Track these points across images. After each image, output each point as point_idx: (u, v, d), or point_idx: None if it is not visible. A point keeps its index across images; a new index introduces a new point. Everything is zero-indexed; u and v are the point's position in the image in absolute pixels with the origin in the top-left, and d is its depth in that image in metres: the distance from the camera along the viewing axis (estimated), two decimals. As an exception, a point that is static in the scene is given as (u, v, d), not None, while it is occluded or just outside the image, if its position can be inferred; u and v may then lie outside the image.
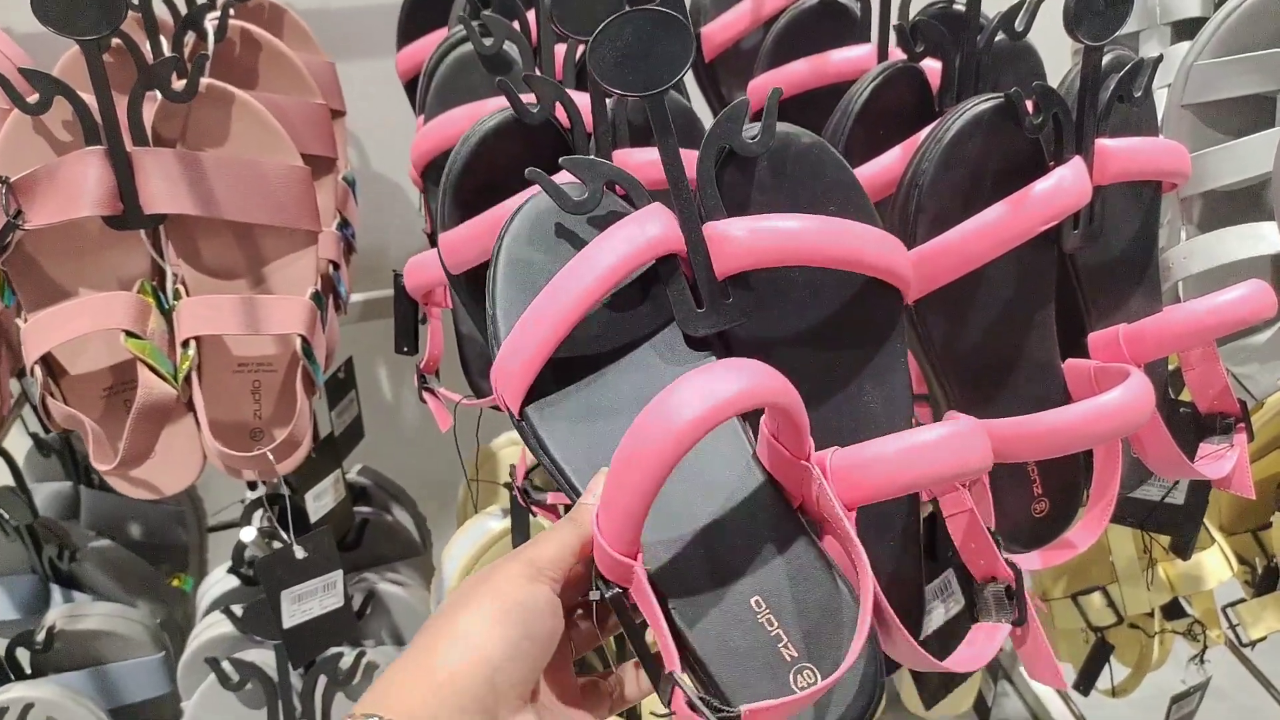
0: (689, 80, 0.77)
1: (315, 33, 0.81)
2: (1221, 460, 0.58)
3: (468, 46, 0.62)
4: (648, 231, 0.40)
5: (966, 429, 0.38)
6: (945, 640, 0.47)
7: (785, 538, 0.39)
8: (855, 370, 0.44)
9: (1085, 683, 0.91)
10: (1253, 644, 0.94)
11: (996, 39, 0.56)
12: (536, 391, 0.40)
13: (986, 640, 0.45)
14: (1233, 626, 0.94)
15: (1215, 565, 0.89)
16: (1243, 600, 0.94)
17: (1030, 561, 0.54)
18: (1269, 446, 0.92)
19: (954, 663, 0.44)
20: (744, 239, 0.40)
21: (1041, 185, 0.48)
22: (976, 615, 0.46)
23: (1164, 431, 0.53)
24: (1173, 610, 0.93)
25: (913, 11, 0.61)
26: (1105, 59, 0.52)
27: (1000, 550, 0.45)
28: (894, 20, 0.60)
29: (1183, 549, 0.70)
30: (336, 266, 0.71)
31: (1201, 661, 0.94)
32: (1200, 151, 0.62)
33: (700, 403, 0.33)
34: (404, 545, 0.88)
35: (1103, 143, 0.50)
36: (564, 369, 0.41)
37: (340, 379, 0.85)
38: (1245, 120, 0.62)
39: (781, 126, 0.42)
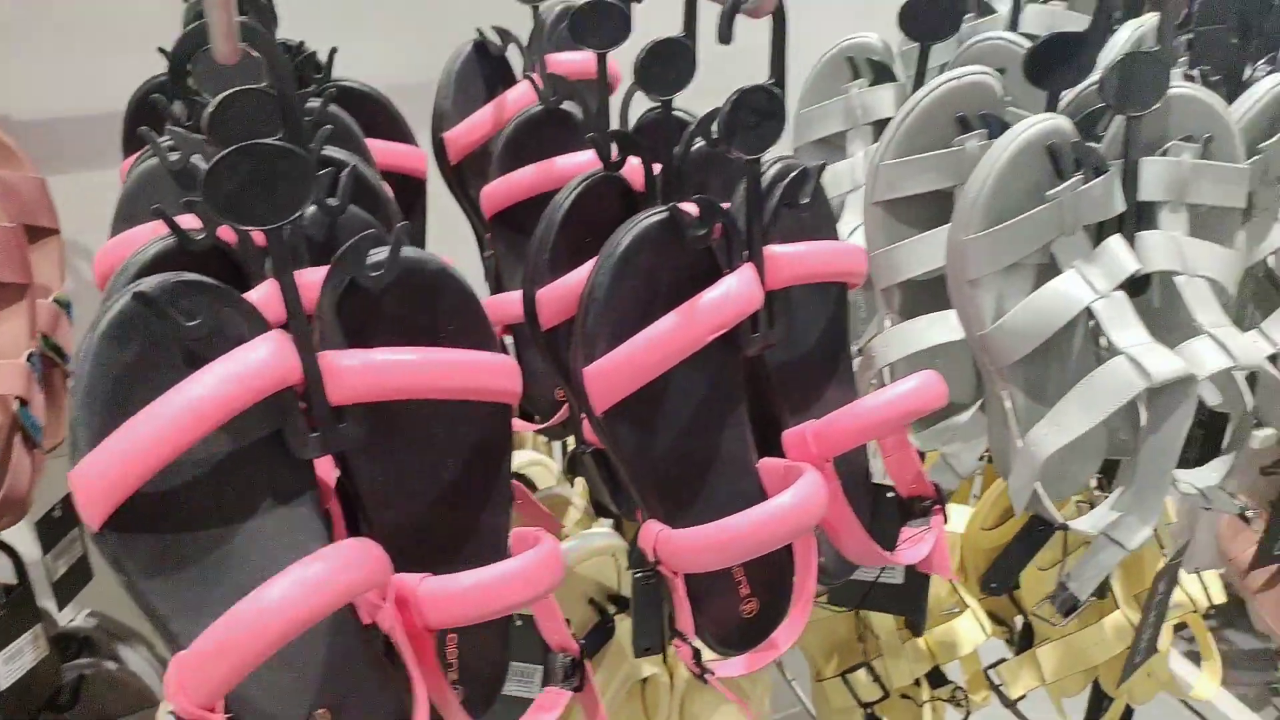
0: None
1: (38, 144, 0.75)
2: (920, 543, 0.59)
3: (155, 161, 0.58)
4: (259, 354, 0.38)
5: (535, 558, 0.40)
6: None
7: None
8: (474, 492, 0.43)
9: (860, 760, 0.92)
10: (1014, 703, 0.97)
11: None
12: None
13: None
14: (995, 687, 0.97)
15: (969, 630, 0.92)
16: (1005, 660, 0.97)
17: (733, 667, 0.53)
18: (1007, 514, 0.96)
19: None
20: (356, 370, 0.38)
21: (709, 295, 0.49)
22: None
23: (855, 523, 0.54)
24: (939, 678, 0.95)
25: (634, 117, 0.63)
26: (774, 168, 0.54)
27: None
28: (615, 125, 0.61)
29: (915, 626, 0.71)
30: (24, 403, 0.65)
31: (966, 723, 0.97)
32: (891, 245, 0.65)
33: (299, 603, 0.33)
34: (134, 696, 0.80)
35: (772, 249, 0.52)
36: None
37: (56, 518, 0.77)
38: (930, 214, 0.66)
39: (408, 253, 0.41)
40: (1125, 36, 0.68)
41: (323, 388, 0.38)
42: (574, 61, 0.71)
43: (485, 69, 0.79)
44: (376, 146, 0.71)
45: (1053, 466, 0.64)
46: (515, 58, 0.78)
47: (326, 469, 0.43)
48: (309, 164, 0.37)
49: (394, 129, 0.76)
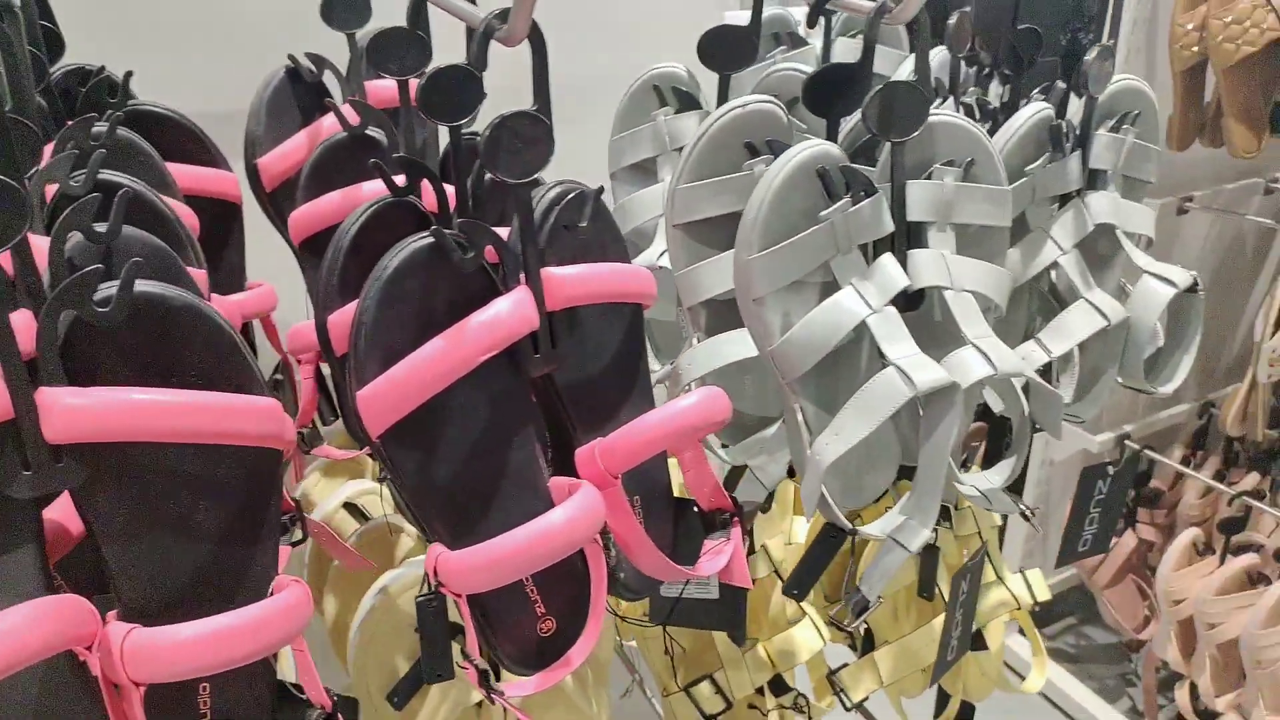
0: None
1: None
2: (719, 555, 0.61)
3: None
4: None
5: (263, 611, 0.42)
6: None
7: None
8: (235, 533, 0.43)
9: (704, 769, 0.94)
10: (857, 705, 1.00)
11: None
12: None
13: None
14: (838, 692, 1.00)
15: (806, 637, 0.94)
16: (845, 666, 1.00)
17: (524, 687, 0.54)
18: (845, 519, 1.00)
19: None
20: (72, 409, 0.38)
21: (478, 317, 0.50)
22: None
23: (644, 538, 0.56)
24: (782, 686, 0.98)
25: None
26: (553, 191, 0.55)
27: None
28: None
29: (735, 639, 0.73)
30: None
31: (805, 731, 0.99)
32: (691, 266, 0.67)
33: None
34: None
35: (551, 271, 0.53)
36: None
37: None
38: (727, 236, 0.68)
39: (147, 289, 0.41)
40: (908, 68, 0.72)
41: (36, 425, 0.37)
42: (394, 89, 0.71)
43: (300, 96, 0.78)
44: (181, 171, 0.70)
45: (851, 476, 0.67)
46: (337, 86, 0.79)
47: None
48: (17, 192, 0.36)
49: (201, 153, 0.74)
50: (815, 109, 0.63)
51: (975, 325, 0.60)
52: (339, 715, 0.49)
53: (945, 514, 0.91)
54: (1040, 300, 0.76)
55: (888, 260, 0.60)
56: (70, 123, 0.59)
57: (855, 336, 0.63)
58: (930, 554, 0.94)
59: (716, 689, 0.92)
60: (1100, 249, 0.76)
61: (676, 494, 0.65)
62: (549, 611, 0.56)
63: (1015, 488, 0.79)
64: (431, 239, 0.49)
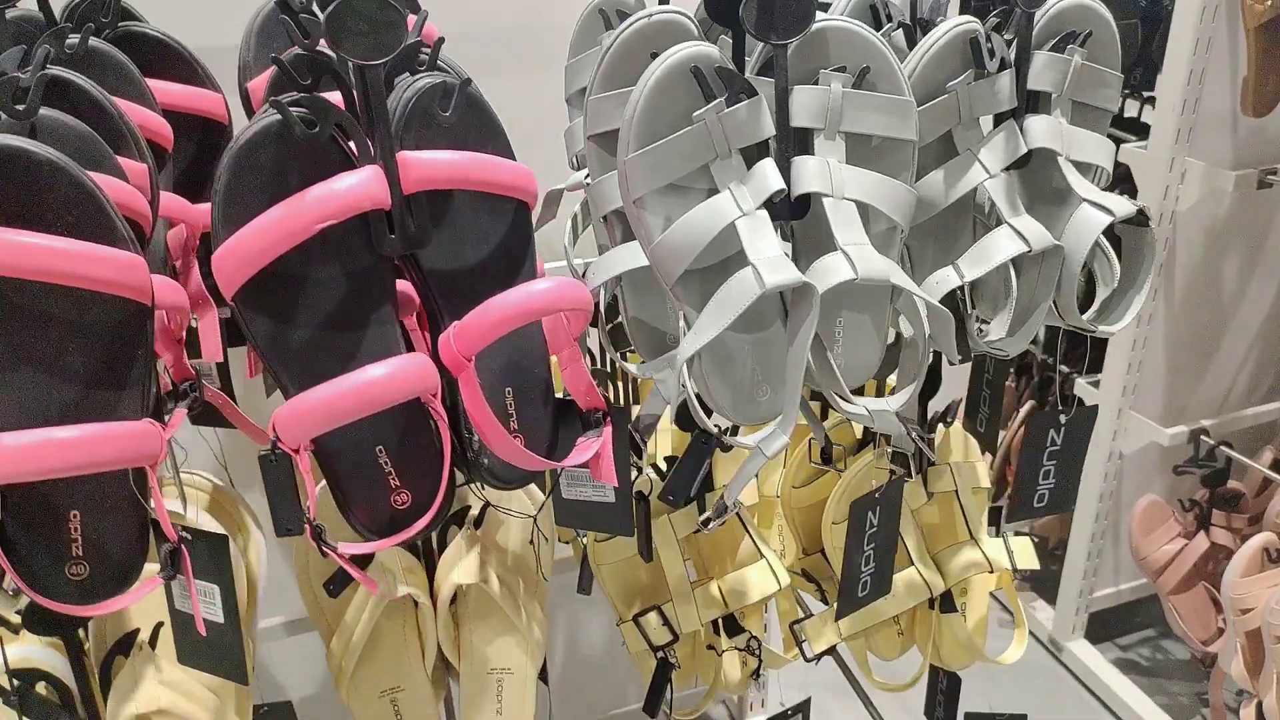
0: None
1: None
2: (587, 449, 0.62)
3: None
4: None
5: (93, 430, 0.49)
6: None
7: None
8: (91, 376, 0.51)
9: (650, 703, 0.94)
10: (818, 658, 0.98)
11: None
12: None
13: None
14: (800, 643, 0.99)
15: (759, 579, 0.94)
16: (808, 617, 0.99)
17: (358, 548, 0.57)
18: (815, 472, 0.98)
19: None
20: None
21: (317, 188, 0.53)
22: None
23: (494, 423, 0.57)
24: (735, 627, 0.97)
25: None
26: (421, 81, 0.57)
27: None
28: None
29: (642, 553, 0.74)
30: None
31: (756, 676, 0.98)
32: (603, 176, 0.69)
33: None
34: None
35: (406, 154, 0.56)
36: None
37: None
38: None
39: (17, 142, 0.47)
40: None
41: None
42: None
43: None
44: (162, 87, 0.76)
45: (742, 389, 0.67)
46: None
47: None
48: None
49: (191, 76, 0.81)
50: (716, 17, 0.63)
51: (850, 233, 0.59)
52: (182, 549, 0.54)
53: (906, 464, 0.89)
54: (984, 231, 0.73)
55: (766, 165, 0.60)
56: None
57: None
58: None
59: (664, 621, 0.92)
60: (1055, 182, 0.72)
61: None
62: (404, 485, 0.59)
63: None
64: (280, 114, 0.53)
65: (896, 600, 0.93)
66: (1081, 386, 1.69)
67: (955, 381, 0.95)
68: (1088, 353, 1.81)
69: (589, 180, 0.73)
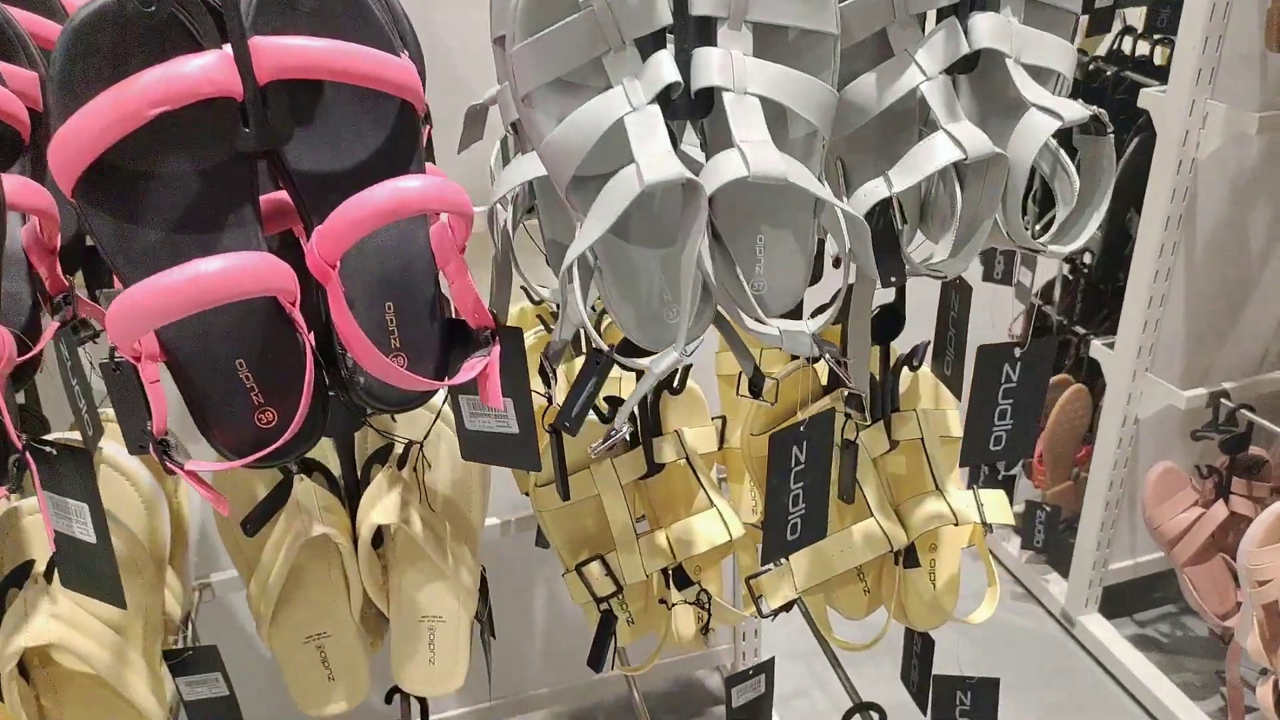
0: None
1: None
2: (472, 369, 0.58)
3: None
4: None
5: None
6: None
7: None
8: None
9: (594, 657, 0.90)
10: (774, 614, 0.93)
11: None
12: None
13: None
14: (756, 599, 0.94)
15: (708, 529, 0.89)
16: (765, 571, 0.94)
17: (203, 466, 0.53)
18: (774, 420, 0.93)
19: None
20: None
21: (153, 72, 0.49)
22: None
23: (360, 336, 0.53)
24: (684, 580, 0.92)
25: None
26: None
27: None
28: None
29: (560, 489, 0.69)
30: None
31: (706, 631, 0.93)
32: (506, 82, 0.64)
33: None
34: None
35: (258, 40, 0.51)
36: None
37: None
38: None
39: None
40: None
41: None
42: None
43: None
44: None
45: (647, 306, 0.62)
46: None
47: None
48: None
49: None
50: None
51: (749, 130, 0.54)
52: (28, 459, 0.50)
53: (861, 408, 0.83)
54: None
55: (660, 56, 0.54)
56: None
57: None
58: (849, 453, 0.86)
59: (608, 571, 0.88)
60: (1009, 91, 0.66)
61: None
62: (268, 402, 0.55)
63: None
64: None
65: (853, 553, 0.88)
66: (1097, 349, 1.61)
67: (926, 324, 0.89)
68: (1106, 315, 1.73)
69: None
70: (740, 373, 1.03)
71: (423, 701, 1.01)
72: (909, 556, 0.90)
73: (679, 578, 0.91)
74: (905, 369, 0.89)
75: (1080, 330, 1.74)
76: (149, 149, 0.51)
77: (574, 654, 1.63)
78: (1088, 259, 1.74)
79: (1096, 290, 1.74)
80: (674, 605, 0.92)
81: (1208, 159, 1.39)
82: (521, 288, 1.05)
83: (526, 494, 1.08)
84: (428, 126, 0.68)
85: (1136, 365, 1.53)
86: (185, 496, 0.88)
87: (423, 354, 0.59)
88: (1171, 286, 1.50)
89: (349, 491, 0.80)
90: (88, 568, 0.59)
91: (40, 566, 0.68)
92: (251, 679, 1.01)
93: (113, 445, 0.77)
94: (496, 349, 0.58)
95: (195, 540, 0.90)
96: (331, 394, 0.59)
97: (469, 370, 0.58)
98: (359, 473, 0.80)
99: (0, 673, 0.65)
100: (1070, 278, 1.78)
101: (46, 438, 0.55)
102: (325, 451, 0.80)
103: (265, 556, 0.78)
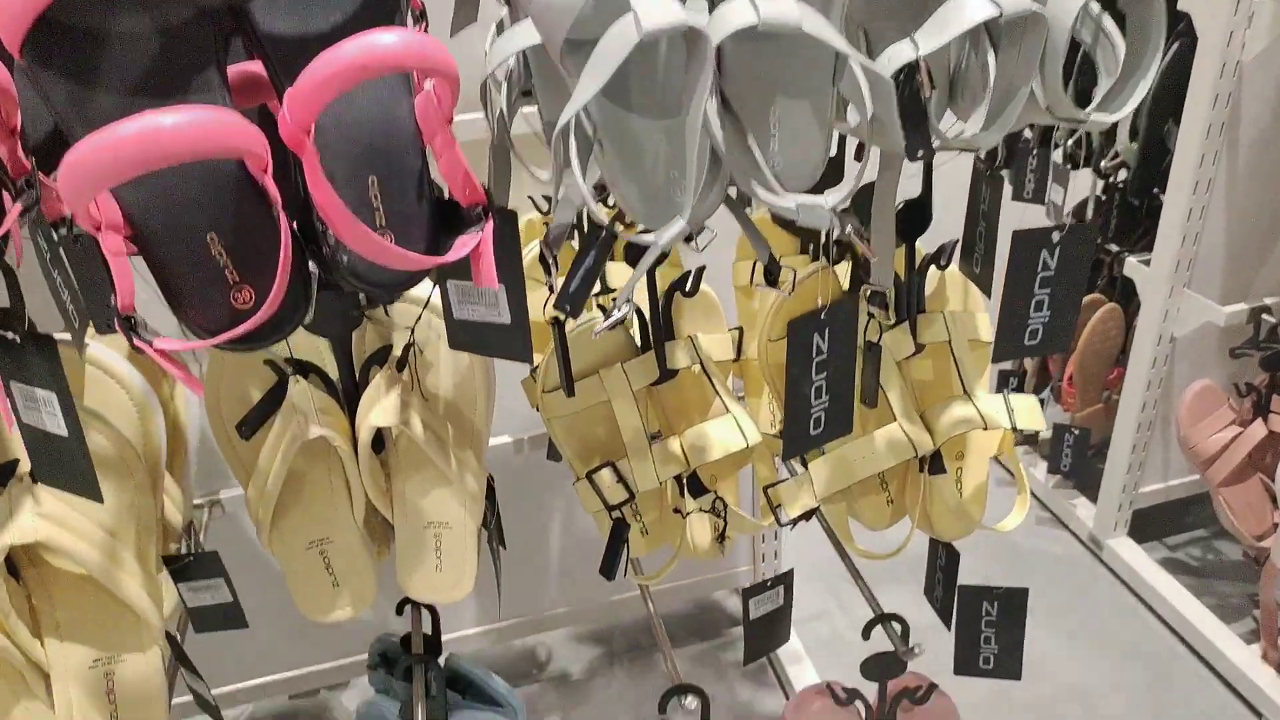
0: None
1: None
2: (463, 247, 0.54)
3: None
4: None
5: None
6: None
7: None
8: None
9: (606, 565, 0.88)
10: (793, 523, 0.90)
11: None
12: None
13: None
14: (775, 508, 0.91)
15: (723, 435, 0.85)
16: (783, 480, 0.90)
17: (171, 344, 0.50)
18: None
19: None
20: None
21: (98, -90, 0.45)
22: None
23: (339, 206, 0.49)
24: (698, 487, 0.89)
25: None
26: None
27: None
28: None
29: (564, 384, 0.65)
30: None
31: (723, 540, 0.91)
32: None
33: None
34: None
35: (217, -122, 0.47)
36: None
37: None
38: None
39: None
40: None
41: None
42: None
43: None
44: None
45: (649, 183, 0.57)
46: None
47: None
48: None
49: None
50: None
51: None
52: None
53: (885, 305, 0.78)
54: None
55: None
56: None
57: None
58: (873, 355, 0.82)
59: (619, 478, 0.85)
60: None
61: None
62: (244, 280, 0.52)
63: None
64: None
65: (876, 458, 0.84)
66: (1132, 266, 1.54)
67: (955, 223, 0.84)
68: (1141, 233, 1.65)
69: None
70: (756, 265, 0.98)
71: (434, 612, 0.99)
72: (934, 462, 0.86)
73: (694, 485, 0.87)
74: (933, 268, 0.85)
75: (1114, 248, 1.67)
76: (102, 4, 0.46)
77: (590, 574, 1.62)
78: (1123, 175, 1.67)
79: (1131, 208, 1.67)
80: (688, 514, 0.89)
81: (1253, 61, 1.31)
82: (528, 197, 1.01)
83: (537, 408, 1.05)
84: (422, 24, 0.63)
85: (1174, 281, 1.47)
86: (183, 403, 0.86)
87: (410, 232, 0.55)
88: (1211, 199, 1.43)
89: (347, 395, 0.77)
90: (61, 461, 0.56)
91: (26, 466, 0.66)
92: (263, 593, 1.00)
93: (101, 347, 0.75)
94: (490, 225, 0.54)
95: (196, 448, 0.88)
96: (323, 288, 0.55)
97: (460, 248, 0.54)
98: (357, 376, 0.77)
99: (-12, 572, 0.64)
100: (1104, 196, 1.70)
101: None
102: (322, 355, 0.77)
103: (262, 461, 0.76)
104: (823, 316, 0.64)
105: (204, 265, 0.51)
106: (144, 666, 0.70)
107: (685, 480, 0.88)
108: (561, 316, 0.73)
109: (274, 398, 0.75)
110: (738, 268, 1.06)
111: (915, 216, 0.79)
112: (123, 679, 0.69)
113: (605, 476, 0.85)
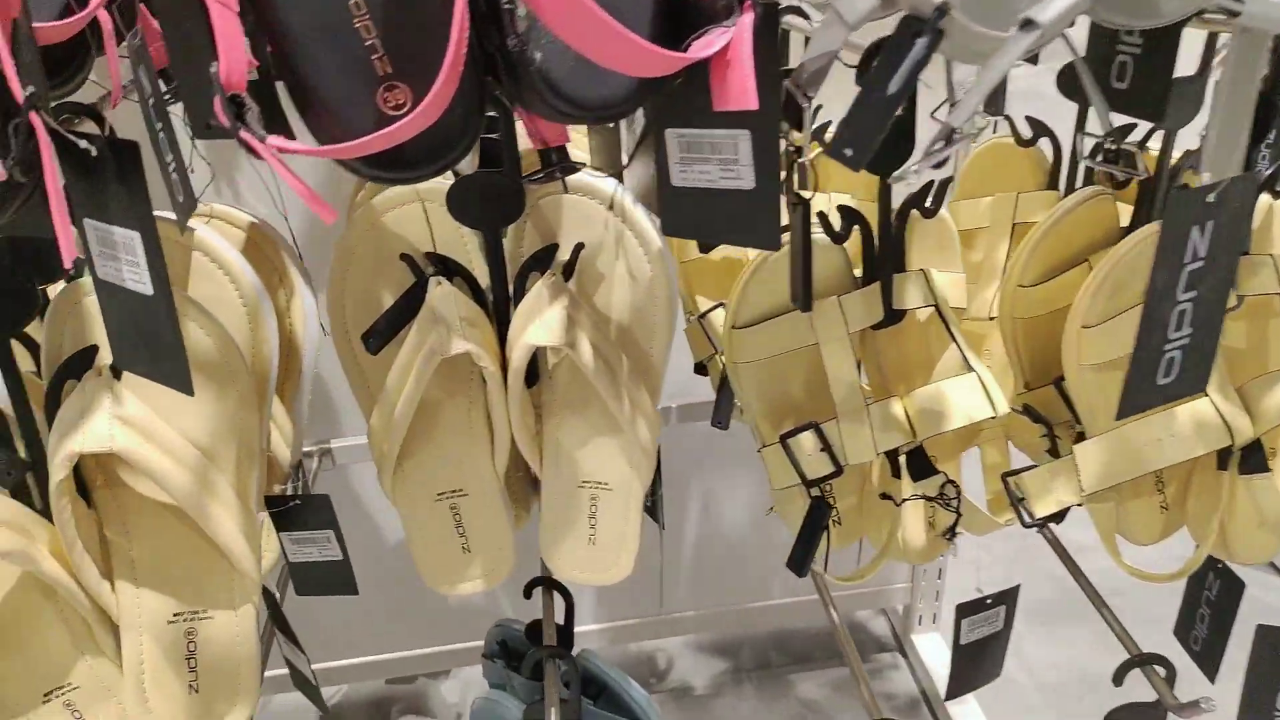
0: None
1: None
2: (710, 45, 0.37)
3: None
4: None
5: None
6: None
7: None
8: None
9: (798, 558, 0.69)
10: (1042, 523, 0.70)
11: None
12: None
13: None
14: (1017, 503, 0.71)
15: (965, 399, 0.66)
16: (1031, 468, 0.70)
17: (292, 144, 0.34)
18: (1053, 265, 0.69)
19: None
20: None
21: None
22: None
23: None
24: (924, 467, 0.70)
25: None
26: None
27: None
28: None
29: (800, 296, 0.47)
30: None
31: (952, 537, 0.71)
32: None
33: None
34: None
35: None
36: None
37: None
38: None
39: None
40: None
41: None
42: None
43: None
44: None
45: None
46: None
47: None
48: None
49: None
50: None
51: None
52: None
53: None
54: None
55: None
56: None
57: None
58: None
59: (824, 445, 0.67)
60: None
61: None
62: (397, 74, 0.36)
63: None
64: None
65: (1177, 444, 0.63)
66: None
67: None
68: None
69: None
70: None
71: (568, 598, 0.83)
72: (1251, 457, 0.64)
73: (917, 464, 0.68)
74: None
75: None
76: None
77: (727, 575, 1.45)
78: None
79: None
80: (904, 501, 0.70)
81: None
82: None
83: (700, 366, 0.88)
84: None
85: None
86: (300, 320, 0.71)
87: (626, 18, 0.38)
88: None
89: (497, 307, 0.62)
90: (142, 333, 0.42)
91: (107, 356, 0.53)
92: (368, 561, 0.85)
93: (211, 232, 0.61)
94: (749, 16, 0.37)
95: (311, 375, 0.74)
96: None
97: (705, 46, 0.37)
98: (511, 284, 0.61)
99: (51, 484, 0.50)
100: None
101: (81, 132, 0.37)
102: (469, 254, 0.61)
103: (391, 381, 0.60)
104: (1211, 198, 0.44)
105: (346, 47, 0.35)
106: (234, 627, 0.55)
107: (906, 457, 0.69)
108: (805, 192, 0.55)
109: (410, 302, 0.59)
110: (957, 208, 0.86)
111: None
112: (207, 640, 0.55)
113: (807, 442, 0.67)
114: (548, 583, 0.78)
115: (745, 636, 1.56)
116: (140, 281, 0.40)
